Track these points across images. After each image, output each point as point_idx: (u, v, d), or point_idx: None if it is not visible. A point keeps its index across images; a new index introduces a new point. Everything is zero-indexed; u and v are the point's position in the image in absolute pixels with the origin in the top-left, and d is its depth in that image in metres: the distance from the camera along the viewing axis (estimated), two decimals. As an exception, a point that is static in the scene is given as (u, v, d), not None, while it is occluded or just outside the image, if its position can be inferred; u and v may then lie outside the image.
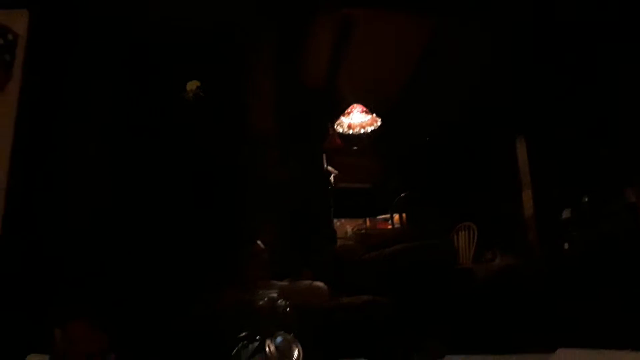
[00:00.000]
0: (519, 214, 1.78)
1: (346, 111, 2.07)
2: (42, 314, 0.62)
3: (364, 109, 2.09)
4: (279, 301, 0.87)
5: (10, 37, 0.33)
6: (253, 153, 1.59)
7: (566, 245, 1.63)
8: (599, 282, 1.27)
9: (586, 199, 1.65)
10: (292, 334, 0.71)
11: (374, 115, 2.08)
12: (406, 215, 1.88)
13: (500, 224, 1.79)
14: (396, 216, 1.93)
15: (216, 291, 0.93)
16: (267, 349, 0.66)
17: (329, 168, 1.95)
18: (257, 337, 0.70)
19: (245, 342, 0.68)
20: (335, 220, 1.98)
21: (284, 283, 1.14)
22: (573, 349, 0.47)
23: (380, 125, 2.05)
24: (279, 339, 0.67)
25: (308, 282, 1.22)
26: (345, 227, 1.95)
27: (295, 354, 0.67)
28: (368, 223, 1.97)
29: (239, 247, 1.16)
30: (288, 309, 0.87)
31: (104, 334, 0.58)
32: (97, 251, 0.83)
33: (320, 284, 1.26)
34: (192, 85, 1.55)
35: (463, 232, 1.75)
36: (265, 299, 0.87)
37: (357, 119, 2.07)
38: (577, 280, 1.34)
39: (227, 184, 1.50)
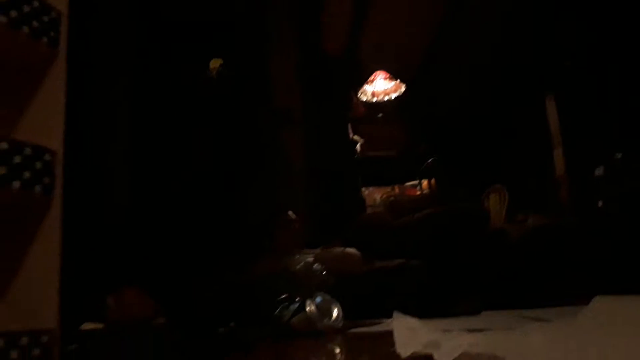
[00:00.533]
0: (550, 174, 1.77)
1: (369, 79, 2.06)
2: (96, 283, 0.67)
3: (388, 75, 2.08)
4: (315, 265, 0.91)
5: (53, 14, 0.36)
6: (279, 126, 1.62)
7: (600, 203, 1.61)
8: (634, 238, 1.27)
9: (619, 156, 1.63)
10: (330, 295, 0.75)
11: (398, 81, 2.07)
12: (435, 181, 1.88)
13: (532, 185, 1.78)
14: (424, 182, 1.94)
15: (253, 260, 0.98)
16: (307, 308, 0.70)
17: (355, 137, 1.97)
18: (297, 299, 0.74)
19: (286, 303, 0.73)
20: (363, 189, 2.01)
21: (317, 251, 1.18)
22: (609, 296, 0.49)
23: (405, 90, 2.04)
24: (318, 299, 0.71)
25: (340, 249, 1.26)
26: (374, 195, 1.97)
27: (335, 312, 0.71)
28: (397, 190, 1.98)
29: (271, 218, 1.20)
30: (324, 273, 0.91)
31: (152, 300, 0.62)
32: (143, 224, 0.88)
33: (352, 250, 1.30)
34: (215, 63, 1.58)
35: (494, 195, 1.76)
36: (302, 263, 0.91)
37: (380, 86, 2.07)
38: (612, 237, 1.34)
39: (255, 158, 1.54)
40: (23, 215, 0.36)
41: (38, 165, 0.31)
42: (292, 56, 1.76)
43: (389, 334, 0.49)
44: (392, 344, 0.41)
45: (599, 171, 1.62)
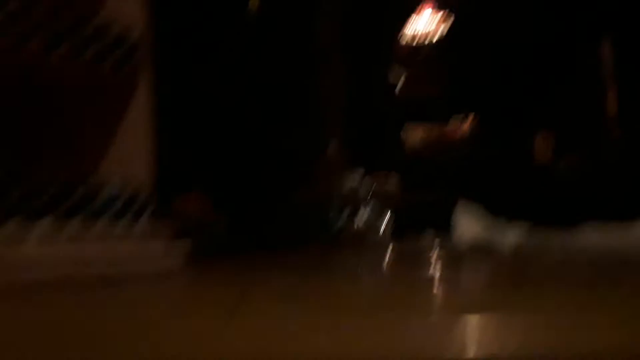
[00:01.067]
0: (601, 116, 1.72)
1: (414, 13, 2.00)
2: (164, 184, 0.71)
3: (434, 7, 2.01)
4: (360, 189, 0.94)
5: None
6: (320, 65, 1.62)
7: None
8: None
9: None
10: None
11: (445, 13, 2.00)
12: (477, 120, 1.86)
13: (582, 127, 1.74)
14: (467, 121, 1.92)
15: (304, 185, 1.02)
16: (360, 219, 0.73)
17: (398, 73, 1.94)
18: (346, 215, 0.78)
19: (337, 213, 0.76)
20: (404, 129, 2.00)
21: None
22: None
23: (451, 26, 1.97)
24: (369, 207, 0.74)
25: (382, 175, 1.28)
26: (415, 134, 1.97)
27: (385, 222, 0.74)
28: (438, 129, 1.97)
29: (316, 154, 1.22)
30: (368, 195, 0.94)
31: (214, 208, 0.66)
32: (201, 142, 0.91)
33: (394, 177, 1.31)
34: (254, 2, 1.56)
35: (541, 137, 1.73)
36: (348, 188, 0.94)
37: (425, 22, 2.01)
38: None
39: (296, 96, 1.55)
40: (112, 97, 0.39)
41: (124, 47, 0.33)
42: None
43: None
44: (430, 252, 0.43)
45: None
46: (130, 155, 0.35)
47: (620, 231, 0.45)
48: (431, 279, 0.29)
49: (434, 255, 0.41)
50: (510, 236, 0.40)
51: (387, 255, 0.49)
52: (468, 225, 0.43)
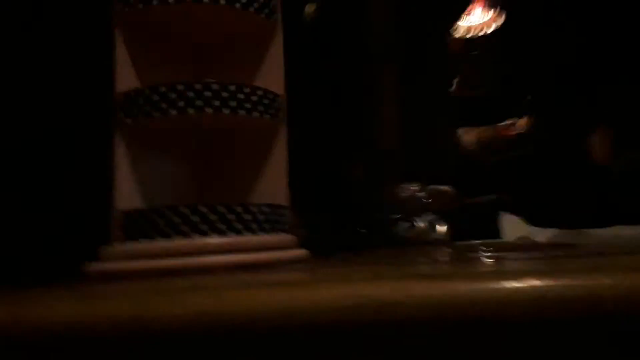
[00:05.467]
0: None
1: (466, 11, 2.14)
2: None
3: (486, 5, 2.14)
4: (420, 193, 1.12)
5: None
6: (375, 68, 1.79)
7: None
8: None
9: None
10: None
11: (497, 10, 2.13)
12: (534, 119, 1.98)
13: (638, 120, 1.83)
14: (522, 121, 2.04)
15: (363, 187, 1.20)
16: (418, 223, 0.91)
17: (451, 74, 2.08)
18: (409, 218, 0.96)
19: (399, 221, 0.94)
20: (457, 129, 2.14)
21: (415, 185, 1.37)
22: None
23: (503, 23, 2.10)
24: (429, 217, 0.92)
25: (435, 186, 1.44)
26: (468, 135, 2.11)
27: (445, 228, 0.92)
28: (491, 130, 2.10)
29: (373, 156, 1.41)
30: (428, 200, 1.11)
31: (296, 214, 0.86)
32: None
33: (447, 187, 1.48)
34: (310, 7, 1.75)
35: (598, 134, 1.83)
36: (408, 191, 1.12)
37: (477, 19, 2.15)
38: None
39: (351, 100, 1.72)
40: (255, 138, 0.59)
41: (266, 101, 0.53)
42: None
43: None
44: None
45: None
46: (272, 184, 0.55)
47: None
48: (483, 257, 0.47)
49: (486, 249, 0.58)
50: (549, 235, 0.57)
51: (446, 251, 0.67)
52: (512, 228, 0.59)
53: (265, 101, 0.54)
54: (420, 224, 0.89)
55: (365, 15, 1.81)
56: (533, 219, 0.73)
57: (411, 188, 1.11)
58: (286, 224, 0.54)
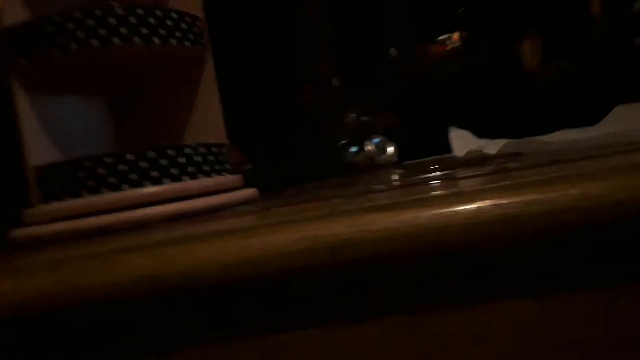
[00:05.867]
0: (585, 16, 1.82)
1: None
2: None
3: None
4: (363, 117, 1.09)
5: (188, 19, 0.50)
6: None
7: (637, 40, 1.70)
8: None
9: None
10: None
11: None
12: (465, 33, 1.96)
13: (567, 28, 1.85)
14: (455, 35, 2.02)
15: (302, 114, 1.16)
16: (366, 147, 0.89)
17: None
18: (356, 143, 0.93)
19: (346, 146, 0.92)
20: (392, 49, 2.11)
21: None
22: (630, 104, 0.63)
23: None
24: (375, 140, 0.90)
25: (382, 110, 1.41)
26: (406, 54, 2.07)
27: (391, 149, 0.90)
28: (428, 46, 2.07)
29: (316, 83, 1.36)
30: (373, 123, 1.09)
31: (239, 151, 0.81)
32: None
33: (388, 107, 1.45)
34: None
35: (527, 41, 1.85)
36: (352, 116, 1.09)
37: None
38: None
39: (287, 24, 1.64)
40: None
41: (184, 25, 0.46)
42: None
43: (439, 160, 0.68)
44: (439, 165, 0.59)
45: (637, 6, 1.69)
46: (205, 122, 0.50)
47: (589, 131, 0.59)
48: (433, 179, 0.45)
49: (435, 166, 0.56)
50: (495, 146, 0.56)
51: (398, 173, 0.65)
52: (461, 143, 0.58)
53: (183, 26, 0.47)
54: (368, 147, 0.87)
55: None
56: (479, 132, 0.72)
57: (355, 112, 1.08)
58: (227, 163, 0.49)
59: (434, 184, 0.39)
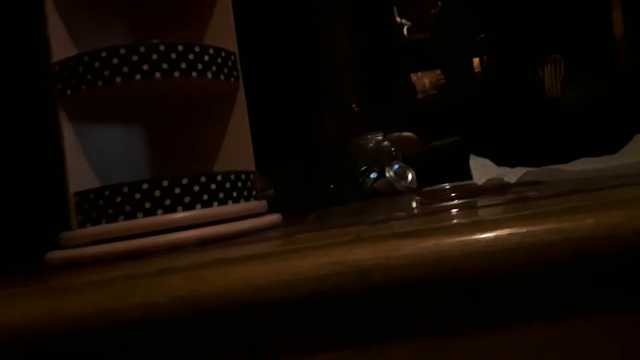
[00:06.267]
0: (608, 38, 1.83)
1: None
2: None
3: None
4: (384, 143, 1.11)
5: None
6: (325, 20, 1.74)
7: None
8: None
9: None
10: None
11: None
12: (487, 58, 1.98)
13: (589, 51, 1.86)
14: (476, 60, 2.04)
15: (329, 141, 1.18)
16: (387, 173, 0.90)
17: (402, 20, 2.06)
18: (376, 169, 0.95)
19: (367, 172, 0.93)
20: (412, 75, 2.14)
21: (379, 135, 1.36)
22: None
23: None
24: (395, 166, 0.91)
25: (397, 133, 1.43)
26: (423, 79, 2.10)
27: (410, 175, 0.92)
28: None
29: (338, 110, 1.38)
30: (393, 149, 1.10)
31: (263, 176, 0.83)
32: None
33: (409, 133, 1.48)
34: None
35: (549, 66, 1.85)
36: (372, 142, 1.11)
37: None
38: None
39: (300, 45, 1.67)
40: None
41: (220, 60, 0.49)
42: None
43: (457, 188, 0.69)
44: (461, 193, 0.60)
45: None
46: (236, 151, 0.52)
47: (609, 160, 0.60)
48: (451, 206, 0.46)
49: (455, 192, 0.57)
50: (515, 175, 0.56)
51: (417, 200, 0.66)
52: (481, 171, 0.59)
53: (219, 60, 0.50)
54: (387, 173, 0.89)
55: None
56: (497, 160, 0.73)
57: (375, 138, 1.10)
58: (255, 190, 0.51)
59: (454, 212, 0.40)
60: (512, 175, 0.57)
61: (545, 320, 0.28)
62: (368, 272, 0.30)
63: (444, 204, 0.48)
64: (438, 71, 2.20)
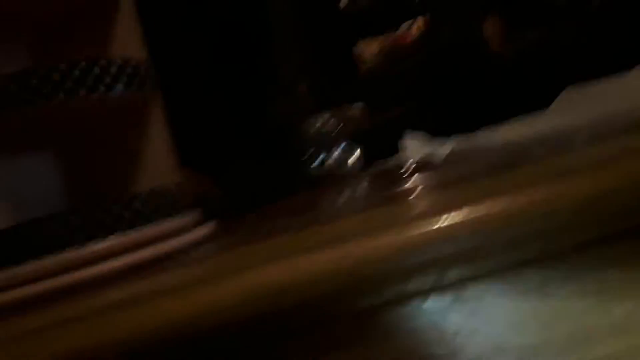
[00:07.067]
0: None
1: None
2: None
3: None
4: (330, 122, 1.08)
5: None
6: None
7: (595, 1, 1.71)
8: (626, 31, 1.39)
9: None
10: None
11: None
12: (429, 18, 1.96)
13: (532, 9, 1.85)
14: (415, 24, 2.02)
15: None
16: (332, 156, 0.88)
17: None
18: (320, 150, 0.93)
19: (312, 156, 0.91)
20: (359, 43, 2.09)
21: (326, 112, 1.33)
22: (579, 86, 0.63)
23: None
24: (341, 146, 0.89)
25: (346, 107, 1.40)
26: (368, 48, 2.07)
27: (356, 155, 0.90)
28: (390, 39, 2.07)
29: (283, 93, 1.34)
30: (339, 127, 1.08)
31: (207, 178, 0.80)
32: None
33: (357, 107, 1.45)
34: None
35: (492, 17, 1.85)
36: (318, 122, 1.08)
37: None
38: (606, 33, 1.45)
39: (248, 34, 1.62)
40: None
41: (128, 71, 0.45)
42: None
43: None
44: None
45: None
46: (155, 164, 0.49)
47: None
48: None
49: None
50: (448, 146, 0.56)
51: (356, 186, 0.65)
52: (416, 146, 0.58)
53: (128, 71, 0.46)
54: (332, 156, 0.87)
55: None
56: (439, 127, 0.72)
57: (321, 118, 1.07)
58: (180, 206, 0.48)
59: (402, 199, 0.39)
60: (445, 148, 0.56)
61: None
62: (281, 295, 0.28)
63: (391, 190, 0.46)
64: (382, 37, 2.17)
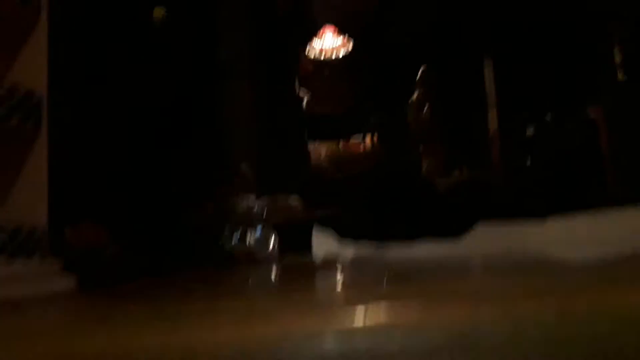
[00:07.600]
0: (484, 133, 1.96)
1: (318, 34, 2.17)
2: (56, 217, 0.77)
3: (336, 30, 2.20)
4: (256, 205, 1.05)
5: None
6: (225, 82, 1.71)
7: (529, 162, 1.84)
8: (559, 194, 1.48)
9: (549, 117, 1.84)
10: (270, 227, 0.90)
11: (347, 36, 2.19)
12: (377, 136, 2.05)
13: (467, 143, 1.98)
14: (368, 137, 2.10)
15: (202, 205, 1.10)
16: (247, 239, 0.84)
17: (302, 92, 2.08)
18: (239, 231, 0.89)
19: (229, 235, 0.86)
20: (309, 144, 2.14)
21: (262, 199, 1.31)
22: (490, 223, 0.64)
23: (353, 48, 2.17)
24: (259, 230, 0.85)
25: (284, 197, 1.39)
26: (319, 150, 2.11)
27: (272, 241, 0.86)
28: (341, 146, 2.13)
29: (223, 170, 1.32)
30: (264, 213, 1.05)
31: (106, 231, 0.74)
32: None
33: (295, 199, 1.44)
34: (158, 12, 1.61)
35: (432, 148, 1.94)
36: (245, 207, 1.05)
37: (329, 43, 2.18)
38: (538, 193, 1.54)
39: (203, 111, 1.62)
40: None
41: (28, 105, 0.41)
42: (241, 7, 1.83)
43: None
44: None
45: (529, 131, 1.85)
46: (27, 199, 0.44)
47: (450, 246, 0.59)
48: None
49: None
50: (351, 250, 0.53)
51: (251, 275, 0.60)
52: (322, 244, 0.55)
53: (27, 104, 0.42)
54: (251, 238, 0.82)
55: (216, 30, 1.72)
56: (353, 233, 0.70)
57: (248, 199, 1.04)
58: (43, 250, 0.42)
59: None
60: (348, 250, 0.53)
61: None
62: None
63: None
64: (334, 143, 2.24)
